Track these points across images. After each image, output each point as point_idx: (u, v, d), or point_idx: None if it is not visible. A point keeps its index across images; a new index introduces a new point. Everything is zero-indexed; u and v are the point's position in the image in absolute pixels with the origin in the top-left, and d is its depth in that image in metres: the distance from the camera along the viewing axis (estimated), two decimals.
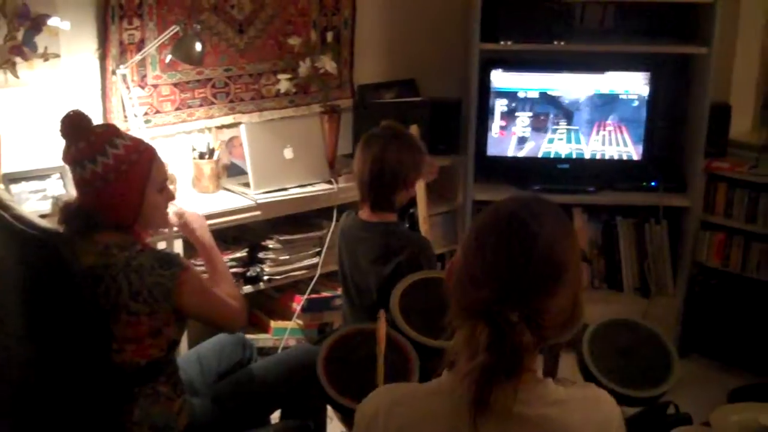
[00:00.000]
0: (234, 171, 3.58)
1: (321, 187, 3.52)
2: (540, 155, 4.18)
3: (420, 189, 3.30)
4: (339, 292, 3.20)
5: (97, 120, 3.14)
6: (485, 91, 4.07)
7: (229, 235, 3.40)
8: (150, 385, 2.31)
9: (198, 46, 3.15)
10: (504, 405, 1.33)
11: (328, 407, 2.63)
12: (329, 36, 3.79)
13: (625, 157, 4.16)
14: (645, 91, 4.08)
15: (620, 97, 4.11)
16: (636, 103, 4.10)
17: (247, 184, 3.41)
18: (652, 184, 4.13)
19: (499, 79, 4.10)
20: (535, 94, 4.12)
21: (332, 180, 3.55)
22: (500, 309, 1.33)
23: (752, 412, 2.39)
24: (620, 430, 1.48)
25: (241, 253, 3.37)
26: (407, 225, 3.37)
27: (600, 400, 1.49)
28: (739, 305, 4.05)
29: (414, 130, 3.42)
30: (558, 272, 1.38)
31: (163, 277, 2.22)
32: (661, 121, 4.22)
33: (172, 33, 3.15)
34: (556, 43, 3.92)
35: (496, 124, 4.15)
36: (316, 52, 3.72)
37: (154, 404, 2.31)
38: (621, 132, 4.14)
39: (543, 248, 1.37)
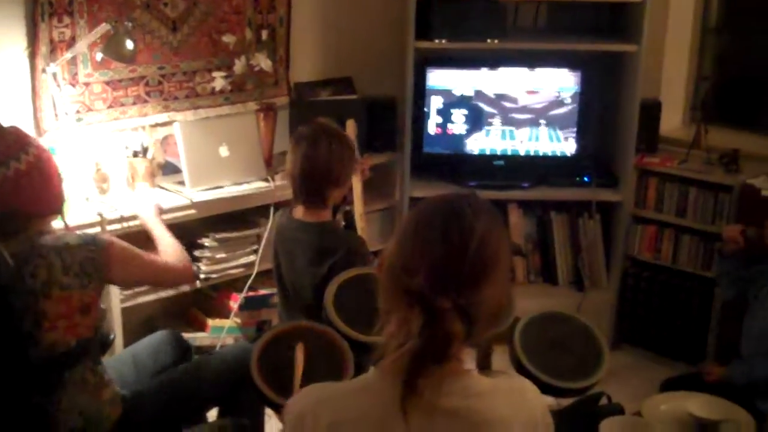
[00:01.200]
0: (169, 169, 3.55)
1: (257, 185, 3.52)
2: (476, 152, 4.23)
3: (356, 187, 3.31)
4: (276, 289, 3.20)
5: (27, 118, 3.11)
6: (421, 89, 4.11)
7: None
8: (78, 370, 2.35)
9: (129, 44, 3.12)
10: (431, 393, 1.36)
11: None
12: (264, 34, 3.78)
13: (558, 154, 4.23)
14: (577, 88, 4.16)
15: (553, 94, 4.17)
16: (569, 101, 4.17)
17: (182, 183, 3.39)
18: (585, 179, 4.21)
19: (435, 77, 4.13)
20: (470, 92, 4.16)
21: (269, 178, 3.55)
22: (433, 296, 1.36)
23: (681, 401, 2.45)
24: (545, 419, 1.51)
25: None
26: (343, 223, 3.38)
27: (524, 391, 1.51)
28: (670, 297, 4.14)
29: (350, 126, 3.44)
30: (491, 266, 1.41)
31: (92, 252, 2.35)
32: (594, 117, 4.29)
33: (103, 31, 3.11)
34: (489, 41, 3.96)
35: (432, 121, 4.19)
36: (252, 50, 3.71)
37: (81, 392, 2.36)
38: (554, 129, 4.21)
39: (479, 241, 1.40)
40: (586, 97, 4.18)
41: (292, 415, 1.49)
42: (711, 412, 2.36)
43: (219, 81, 3.63)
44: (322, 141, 2.74)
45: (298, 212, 2.83)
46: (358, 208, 3.40)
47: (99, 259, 2.35)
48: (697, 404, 2.39)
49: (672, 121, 4.45)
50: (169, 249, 2.78)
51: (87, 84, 3.29)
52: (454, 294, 1.37)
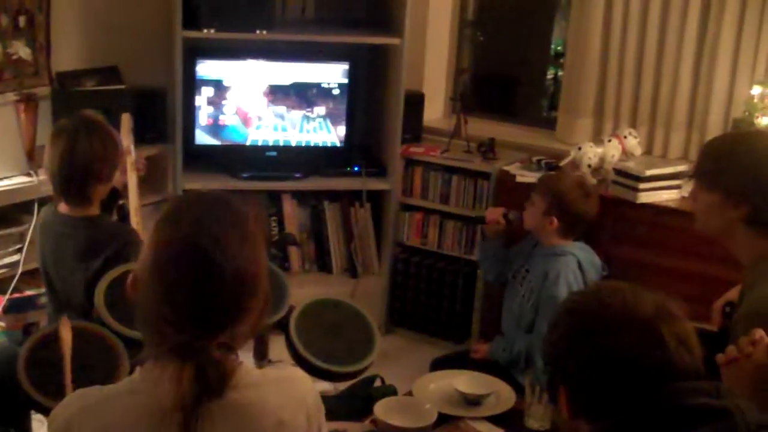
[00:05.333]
0: None
1: (19, 180, 3.38)
2: (248, 144, 4.24)
3: (131, 181, 3.23)
4: (44, 290, 3.07)
5: None
6: (191, 80, 4.06)
7: None
8: None
9: None
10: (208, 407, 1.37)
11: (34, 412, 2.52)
12: (22, 20, 3.59)
13: (329, 144, 4.32)
14: (345, 80, 4.26)
15: (322, 86, 4.25)
16: (337, 92, 4.27)
17: None
18: (355, 169, 4.32)
19: (205, 67, 4.10)
20: (241, 83, 4.16)
21: (31, 172, 3.40)
22: (202, 346, 1.36)
23: (449, 379, 2.57)
24: (316, 405, 1.55)
25: None
26: (117, 218, 3.29)
27: (294, 379, 1.54)
28: (437, 280, 4.34)
29: (125, 119, 3.33)
30: (251, 289, 1.42)
31: None
32: (362, 109, 4.42)
33: None
34: (258, 32, 3.98)
35: (204, 112, 4.15)
36: (8, 37, 3.52)
37: None
38: (324, 120, 4.29)
39: (232, 276, 1.38)
40: (353, 88, 4.29)
41: (57, 424, 1.44)
42: (475, 387, 2.49)
43: None
44: (82, 135, 2.61)
45: (64, 207, 2.72)
46: (133, 202, 3.31)
47: None
48: (463, 381, 2.52)
49: (435, 111, 4.65)
50: None
51: None
52: (221, 334, 1.38)
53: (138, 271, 1.44)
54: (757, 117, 3.40)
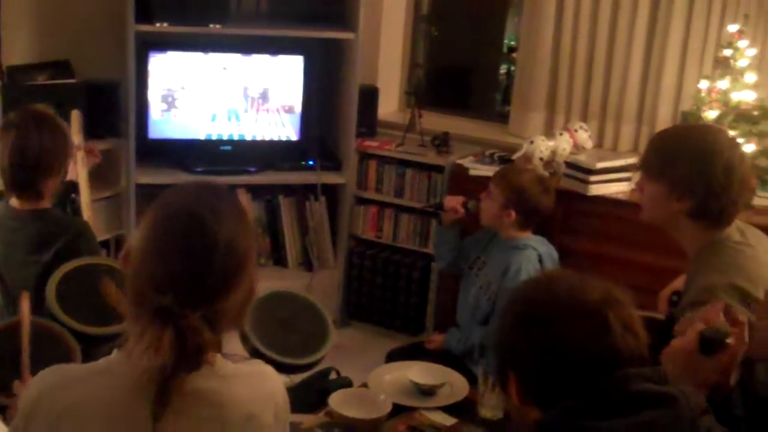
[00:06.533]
0: None
1: None
2: (202, 137, 4.22)
3: (82, 175, 3.20)
4: None
5: None
6: (143, 74, 4.03)
7: None
8: None
9: None
10: (179, 386, 1.37)
11: None
12: None
13: (284, 138, 4.32)
14: (300, 74, 4.26)
15: (277, 80, 4.25)
16: (292, 86, 4.26)
17: None
18: (310, 163, 4.33)
19: (158, 61, 4.07)
20: (195, 77, 4.14)
21: None
22: (183, 313, 1.36)
23: (403, 370, 2.59)
24: (284, 402, 1.57)
25: None
26: (70, 212, 3.26)
27: (265, 376, 1.56)
28: (393, 273, 4.36)
29: (75, 116, 3.30)
30: (239, 268, 1.43)
31: None
32: (317, 103, 4.42)
33: None
34: (212, 26, 3.96)
35: (157, 107, 4.12)
36: None
37: None
38: (279, 114, 4.29)
39: (224, 247, 1.40)
40: (308, 82, 4.29)
41: (27, 400, 1.44)
42: (429, 378, 2.52)
43: None
44: (32, 129, 2.59)
45: (15, 201, 2.69)
46: (84, 197, 3.29)
47: None
48: (417, 371, 2.54)
49: (389, 105, 4.67)
50: None
51: None
52: (204, 307, 1.38)
53: (132, 240, 1.45)
54: (705, 110, 3.46)
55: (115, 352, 1.45)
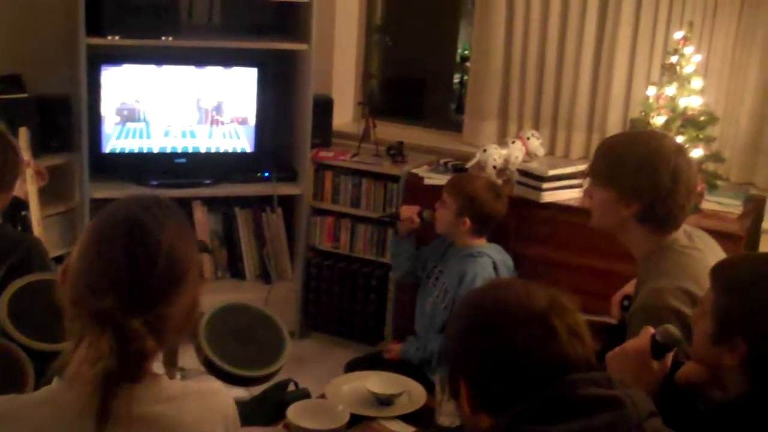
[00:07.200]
0: None
1: None
2: (156, 151, 4.20)
3: (32, 192, 3.17)
4: None
5: None
6: (96, 87, 4.01)
7: None
8: None
9: None
10: (125, 408, 1.34)
11: None
12: None
13: (239, 150, 4.32)
14: (253, 86, 4.26)
15: (231, 91, 4.24)
16: (246, 98, 4.26)
17: None
18: (266, 174, 4.32)
19: (110, 74, 4.05)
20: (148, 90, 4.13)
21: None
22: (123, 317, 1.33)
23: (361, 381, 2.59)
24: (235, 418, 1.55)
25: None
26: (21, 229, 3.22)
27: (214, 393, 1.54)
28: (350, 283, 4.36)
29: (23, 134, 3.28)
30: (181, 277, 1.42)
31: None
32: (271, 114, 4.42)
33: None
34: (164, 38, 3.94)
35: (110, 120, 4.10)
36: None
37: None
38: (234, 126, 4.28)
39: (166, 255, 1.39)
40: (262, 94, 4.29)
41: None
42: (387, 387, 2.52)
43: None
44: None
45: None
46: (34, 213, 3.26)
47: None
48: (375, 381, 2.54)
49: (344, 116, 4.68)
50: None
51: None
52: (144, 313, 1.36)
53: (73, 252, 1.43)
54: (653, 116, 3.52)
55: (56, 381, 1.43)
